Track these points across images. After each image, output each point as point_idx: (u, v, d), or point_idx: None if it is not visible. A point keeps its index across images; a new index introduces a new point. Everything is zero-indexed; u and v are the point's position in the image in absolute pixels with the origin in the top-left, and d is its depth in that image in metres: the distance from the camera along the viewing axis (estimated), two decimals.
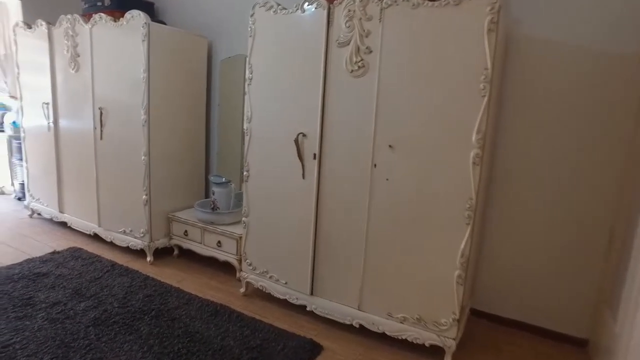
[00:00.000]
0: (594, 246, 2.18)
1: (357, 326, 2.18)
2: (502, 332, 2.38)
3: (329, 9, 2.03)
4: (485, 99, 1.71)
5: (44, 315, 2.19)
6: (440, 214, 1.88)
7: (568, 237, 2.23)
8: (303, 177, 2.24)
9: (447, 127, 1.81)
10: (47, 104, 3.36)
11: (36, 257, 2.91)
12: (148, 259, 2.96)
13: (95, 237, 3.29)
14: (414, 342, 2.02)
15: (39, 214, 3.76)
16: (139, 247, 2.98)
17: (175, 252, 3.12)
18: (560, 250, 2.25)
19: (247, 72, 2.36)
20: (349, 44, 2.00)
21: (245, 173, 2.47)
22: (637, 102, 2.01)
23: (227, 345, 2.03)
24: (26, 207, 3.87)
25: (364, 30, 1.94)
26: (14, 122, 4.32)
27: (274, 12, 2.21)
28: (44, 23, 3.27)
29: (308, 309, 2.33)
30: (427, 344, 2.00)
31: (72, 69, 3.11)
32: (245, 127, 2.42)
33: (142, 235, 2.93)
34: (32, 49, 3.40)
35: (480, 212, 2.09)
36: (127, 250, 3.10)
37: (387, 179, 1.99)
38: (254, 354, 1.97)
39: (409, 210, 1.95)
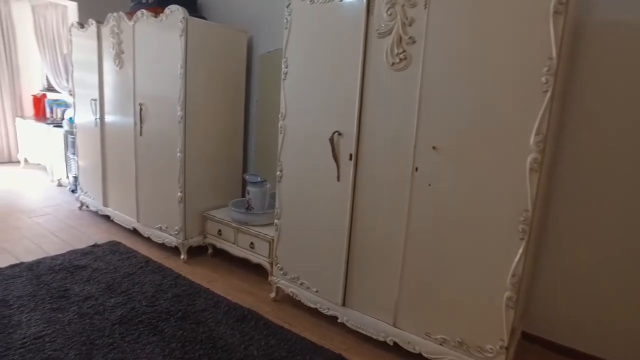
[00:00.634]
0: None
1: (391, 344, 1.99)
2: None
3: None
4: (548, 94, 1.46)
5: (75, 309, 2.20)
6: (489, 227, 1.64)
7: None
8: (338, 179, 2.08)
9: (501, 127, 1.58)
10: (95, 100, 3.45)
11: (78, 249, 2.99)
12: (182, 256, 2.94)
13: (135, 232, 3.33)
14: None
15: (87, 206, 3.90)
16: (173, 245, 2.97)
17: (210, 251, 3.07)
18: (633, 273, 1.92)
19: (282, 66, 2.24)
20: (390, 33, 1.81)
21: (278, 173, 2.36)
22: None
23: (250, 354, 1.91)
24: (77, 199, 4.03)
25: (407, 18, 1.75)
26: (70, 118, 4.52)
27: (310, 1, 2.06)
28: (94, 22, 3.36)
29: (339, 320, 2.17)
30: None
31: (117, 66, 3.16)
32: (279, 124, 2.31)
33: (176, 232, 2.91)
34: (84, 47, 3.51)
35: (536, 226, 1.82)
36: (163, 247, 3.10)
37: (429, 185, 1.79)
38: None
39: (454, 220, 1.73)
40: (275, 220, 2.39)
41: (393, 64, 1.82)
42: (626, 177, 1.88)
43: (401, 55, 1.79)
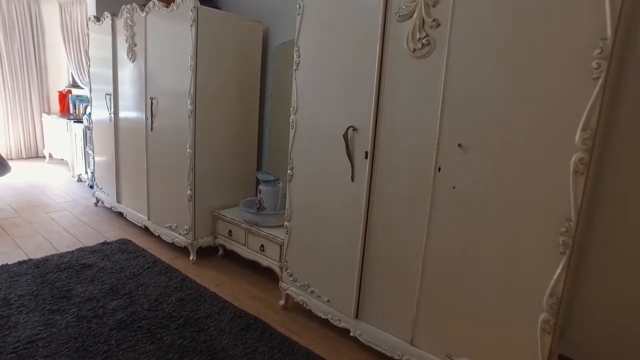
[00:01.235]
0: None
1: None
2: None
3: None
4: (600, 82, 1.22)
5: (75, 311, 2.10)
6: (524, 238, 1.41)
7: None
8: (352, 180, 1.89)
9: (541, 121, 1.34)
10: (109, 95, 3.38)
11: (87, 247, 2.92)
12: (191, 257, 2.81)
13: (146, 230, 3.24)
14: None
15: (102, 202, 3.85)
16: (182, 245, 2.85)
17: (220, 252, 2.94)
18: None
19: (294, 56, 2.07)
20: (411, 16, 1.60)
21: (289, 172, 2.19)
22: None
23: None
24: (93, 195, 4.00)
25: None
26: (88, 114, 4.51)
27: None
28: (109, 15, 3.29)
29: (352, 334, 1.98)
30: None
31: (130, 59, 3.07)
32: (290, 118, 2.14)
33: (185, 232, 2.79)
34: (100, 41, 3.46)
35: (579, 237, 1.58)
36: (173, 246, 2.99)
37: (453, 187, 1.57)
38: None
39: (482, 228, 1.51)
40: (285, 223, 2.23)
41: (414, 50, 1.62)
42: None
43: (424, 41, 1.58)
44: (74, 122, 4.85)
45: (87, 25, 3.64)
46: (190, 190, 2.70)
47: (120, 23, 3.15)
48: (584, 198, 1.32)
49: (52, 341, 1.85)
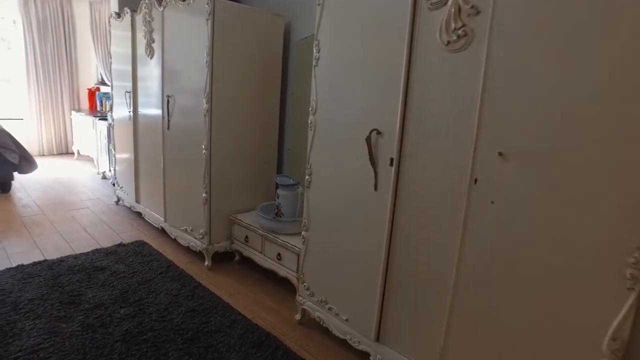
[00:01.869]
0: None
1: None
2: None
3: None
4: None
5: (81, 318, 2.01)
6: (579, 268, 1.18)
7: None
8: (375, 189, 1.70)
9: (605, 126, 1.11)
10: (129, 92, 3.31)
11: (103, 249, 2.85)
12: (206, 263, 2.69)
13: (162, 232, 3.15)
14: None
15: (122, 201, 3.81)
16: (198, 249, 2.74)
17: (237, 257, 2.81)
18: None
19: (314, 50, 1.89)
20: (445, 3, 1.39)
21: (307, 177, 2.01)
22: None
23: None
24: (114, 193, 3.97)
25: None
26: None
27: None
28: (129, 11, 3.21)
29: (371, 358, 1.80)
30: None
31: (148, 55, 2.98)
32: (309, 119, 1.96)
33: (201, 236, 2.67)
34: (120, 38, 3.39)
35: None
36: (188, 250, 2.89)
37: (492, 202, 1.35)
38: None
39: (525, 252, 1.28)
40: (303, 232, 2.06)
41: (449, 42, 1.40)
42: None
43: (460, 32, 1.37)
44: (99, 119, 4.86)
45: (109, 22, 3.59)
46: (206, 192, 2.58)
47: (139, 19, 3.06)
48: None
49: (54, 352, 1.76)
